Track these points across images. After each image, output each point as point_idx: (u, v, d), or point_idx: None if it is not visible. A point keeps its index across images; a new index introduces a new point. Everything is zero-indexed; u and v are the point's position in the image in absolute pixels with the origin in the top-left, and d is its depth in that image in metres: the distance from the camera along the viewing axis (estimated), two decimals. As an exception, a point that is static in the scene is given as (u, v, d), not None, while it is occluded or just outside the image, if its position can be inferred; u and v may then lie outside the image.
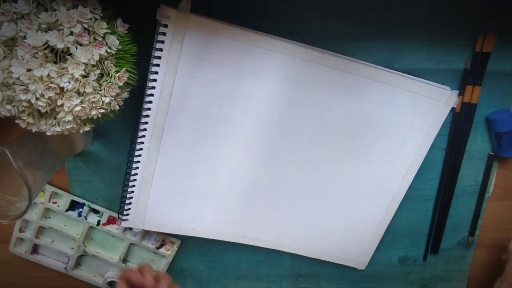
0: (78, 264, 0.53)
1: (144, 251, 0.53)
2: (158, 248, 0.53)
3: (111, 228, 0.51)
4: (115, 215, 0.51)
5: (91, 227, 0.51)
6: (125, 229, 0.52)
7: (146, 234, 0.52)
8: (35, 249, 0.53)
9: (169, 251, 0.53)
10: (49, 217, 0.51)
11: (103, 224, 0.51)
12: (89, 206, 0.50)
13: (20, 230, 0.51)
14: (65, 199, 0.50)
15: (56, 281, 0.55)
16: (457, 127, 0.46)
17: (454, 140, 0.47)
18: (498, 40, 0.43)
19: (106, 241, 0.53)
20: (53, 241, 0.52)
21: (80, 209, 0.50)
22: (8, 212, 0.37)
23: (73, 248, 0.52)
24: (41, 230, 0.51)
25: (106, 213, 0.51)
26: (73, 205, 0.50)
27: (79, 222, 0.51)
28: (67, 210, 0.50)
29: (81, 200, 0.50)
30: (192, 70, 0.41)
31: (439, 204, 0.50)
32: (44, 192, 0.49)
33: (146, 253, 0.54)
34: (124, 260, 0.53)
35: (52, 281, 0.55)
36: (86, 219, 0.51)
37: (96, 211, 0.51)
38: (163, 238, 0.53)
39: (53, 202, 0.50)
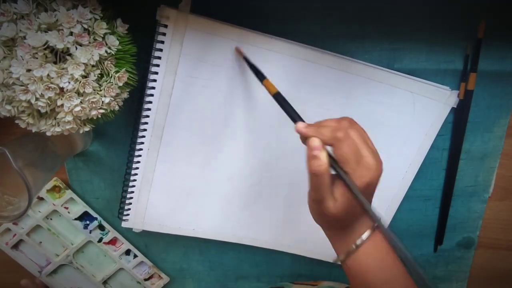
0: (55, 272, 0.52)
1: (129, 278, 0.53)
2: (145, 279, 0.53)
3: (109, 248, 0.51)
4: (119, 236, 0.51)
5: (90, 241, 0.51)
6: (123, 253, 0.51)
7: (141, 263, 0.52)
8: (17, 244, 0.51)
9: (153, 285, 0.53)
10: (51, 219, 0.50)
11: (104, 243, 0.51)
12: (99, 222, 0.50)
13: (14, 222, 0.49)
14: (79, 208, 0.49)
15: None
16: (458, 117, 0.46)
17: (455, 133, 0.47)
18: (498, 40, 0.43)
19: (97, 258, 0.52)
20: (41, 242, 0.51)
21: (88, 222, 0.50)
22: (8, 212, 0.37)
23: (58, 255, 0.51)
24: (35, 228, 0.50)
25: (112, 233, 0.51)
26: (83, 216, 0.50)
27: (80, 233, 0.51)
28: (75, 219, 0.50)
29: (94, 214, 0.50)
30: (192, 70, 0.41)
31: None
32: (62, 195, 0.49)
33: (129, 281, 0.53)
34: (105, 282, 0.53)
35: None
36: (90, 233, 0.50)
37: (102, 228, 0.51)
38: (155, 271, 0.53)
39: (65, 207, 0.49)
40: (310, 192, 0.33)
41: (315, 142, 0.31)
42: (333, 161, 0.31)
